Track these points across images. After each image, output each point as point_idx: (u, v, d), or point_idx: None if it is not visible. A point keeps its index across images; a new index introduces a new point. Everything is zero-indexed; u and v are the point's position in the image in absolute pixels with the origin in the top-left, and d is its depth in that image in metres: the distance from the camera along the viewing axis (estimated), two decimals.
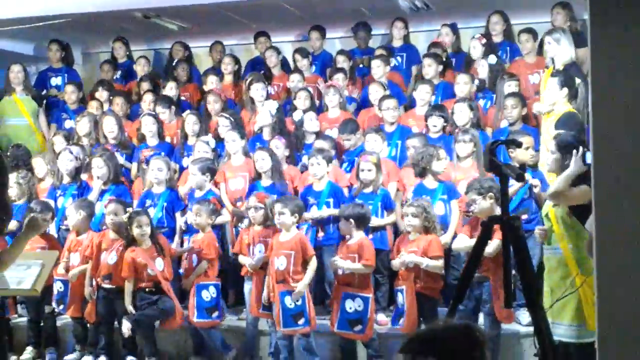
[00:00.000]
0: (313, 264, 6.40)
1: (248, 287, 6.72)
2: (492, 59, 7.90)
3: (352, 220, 6.31)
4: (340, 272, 6.34)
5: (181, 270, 6.96)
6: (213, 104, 8.40)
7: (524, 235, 4.60)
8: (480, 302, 5.94)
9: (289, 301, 6.25)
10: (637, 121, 3.16)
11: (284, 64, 9.31)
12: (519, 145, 5.18)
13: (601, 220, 3.24)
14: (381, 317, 6.72)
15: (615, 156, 3.20)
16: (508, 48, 8.43)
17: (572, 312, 4.90)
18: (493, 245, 5.46)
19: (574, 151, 4.92)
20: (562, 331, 4.97)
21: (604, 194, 3.23)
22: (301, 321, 6.26)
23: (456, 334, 2.60)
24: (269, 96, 8.44)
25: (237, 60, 9.40)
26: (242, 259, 6.73)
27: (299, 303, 6.26)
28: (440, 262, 6.17)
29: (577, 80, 6.67)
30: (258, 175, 7.27)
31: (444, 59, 8.48)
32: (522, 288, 4.69)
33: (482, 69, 7.95)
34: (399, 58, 8.95)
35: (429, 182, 6.77)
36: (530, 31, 8.06)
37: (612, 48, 3.19)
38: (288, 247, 6.34)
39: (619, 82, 3.19)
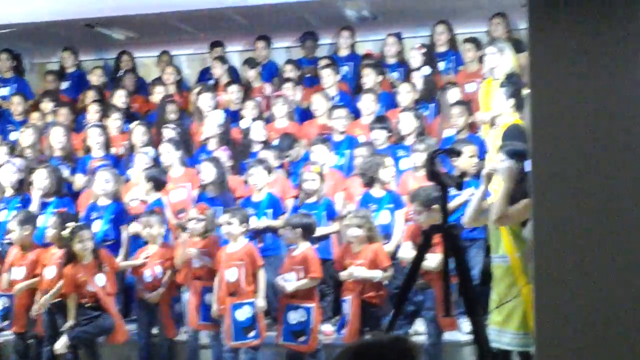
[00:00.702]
0: (262, 275, 6.38)
1: (185, 297, 6.68)
2: (426, 70, 8.00)
3: (298, 230, 6.31)
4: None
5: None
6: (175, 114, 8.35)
7: (463, 244, 4.65)
8: (420, 308, 5.99)
9: (240, 314, 6.22)
10: (575, 130, 3.20)
11: (232, 73, 9.29)
12: (458, 154, 5.21)
13: (539, 228, 3.28)
14: (327, 327, 6.71)
15: (554, 165, 3.24)
16: (453, 57, 8.50)
17: (518, 320, 4.93)
18: (436, 259, 5.48)
19: (507, 168, 4.95)
20: (508, 339, 5.00)
21: (543, 202, 3.26)
22: (251, 334, 6.24)
23: (392, 345, 2.62)
24: (217, 106, 8.44)
25: (178, 71, 9.41)
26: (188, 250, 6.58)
27: (250, 315, 6.23)
28: (390, 272, 6.18)
29: (526, 91, 6.75)
30: (204, 187, 7.23)
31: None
32: (461, 296, 4.72)
33: (418, 81, 8.05)
34: (345, 67, 8.97)
35: (376, 191, 6.80)
36: (474, 40, 8.14)
37: (550, 59, 3.23)
38: (237, 257, 6.31)
39: (558, 92, 3.23)
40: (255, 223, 6.90)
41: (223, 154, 7.51)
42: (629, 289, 3.16)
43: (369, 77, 8.19)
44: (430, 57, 8.28)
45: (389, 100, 8.19)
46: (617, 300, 3.17)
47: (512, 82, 6.77)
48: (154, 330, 6.78)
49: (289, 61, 9.05)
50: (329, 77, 8.34)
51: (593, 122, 3.19)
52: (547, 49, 3.23)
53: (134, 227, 7.11)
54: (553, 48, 3.22)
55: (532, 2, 3.23)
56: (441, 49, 8.54)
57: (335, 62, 8.78)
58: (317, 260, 6.34)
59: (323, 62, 8.69)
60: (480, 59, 7.83)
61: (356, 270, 6.14)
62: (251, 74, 8.98)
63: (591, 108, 3.20)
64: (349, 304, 6.19)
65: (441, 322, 5.81)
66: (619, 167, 3.17)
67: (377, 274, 6.12)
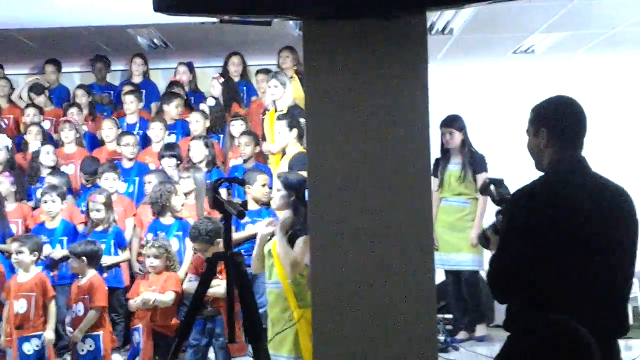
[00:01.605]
0: (53, 307, 6.20)
1: None
2: (211, 101, 8.15)
3: (84, 258, 6.21)
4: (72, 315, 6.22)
5: None
6: None
7: (247, 272, 4.75)
8: (213, 337, 6.01)
9: (27, 347, 6.00)
10: (350, 163, 3.36)
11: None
12: (242, 183, 5.35)
13: (318, 258, 3.40)
14: (117, 357, 6.61)
15: (330, 194, 3.37)
16: (245, 88, 8.68)
17: (290, 344, 5.06)
18: (224, 285, 5.54)
19: (281, 197, 5.12)
20: None
21: (321, 231, 3.39)
22: None
23: None
24: (3, 130, 8.16)
25: None
26: None
27: (39, 349, 6.03)
28: (170, 296, 6.12)
29: (303, 120, 6.99)
30: None
31: (185, 98, 8.64)
32: (244, 323, 4.81)
33: (207, 110, 8.18)
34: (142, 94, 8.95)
35: (165, 219, 6.83)
36: (267, 72, 8.32)
37: (325, 92, 3.37)
38: (28, 288, 6.10)
39: (332, 124, 3.37)
40: (51, 253, 6.77)
41: (5, 180, 7.26)
42: (401, 315, 3.35)
43: (171, 106, 8.23)
44: (229, 87, 8.44)
45: (185, 129, 8.25)
46: (391, 326, 3.35)
47: (294, 114, 7.03)
48: None
49: (80, 86, 8.91)
50: (132, 104, 8.28)
51: (366, 153, 3.37)
52: (321, 81, 3.37)
53: None
54: (327, 81, 3.36)
55: (306, 36, 3.38)
56: (235, 79, 8.69)
57: (139, 89, 8.74)
58: (103, 289, 6.25)
59: (127, 89, 8.63)
60: None
61: (145, 295, 6.10)
62: (40, 100, 8.75)
63: (365, 139, 3.37)
64: (140, 333, 6.15)
65: (231, 347, 5.88)
66: (394, 196, 3.35)
67: (155, 296, 6.07)
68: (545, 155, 3.23)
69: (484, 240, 3.57)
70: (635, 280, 8.47)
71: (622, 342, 7.75)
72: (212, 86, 8.46)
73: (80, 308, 6.16)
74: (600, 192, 3.19)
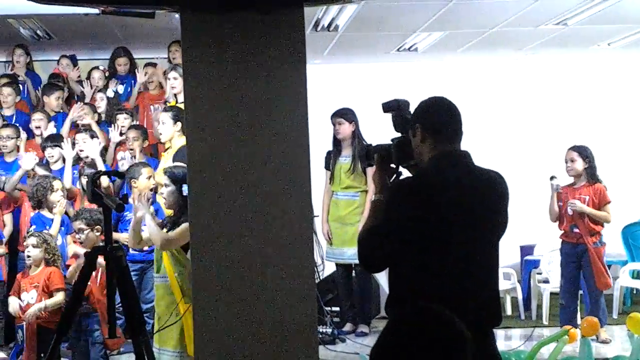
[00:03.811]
0: None
1: None
2: (110, 92, 8.06)
3: None
4: None
5: None
6: None
7: (127, 266, 4.72)
8: (88, 333, 5.94)
9: None
10: (229, 156, 3.37)
11: None
12: (121, 176, 5.37)
13: (198, 252, 3.41)
14: None
15: (209, 189, 3.38)
16: (132, 81, 8.57)
17: (175, 338, 5.05)
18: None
19: (169, 192, 5.11)
20: (167, 357, 5.11)
21: (201, 225, 3.40)
22: None
23: None
24: None
25: None
26: None
27: None
28: (60, 296, 6.06)
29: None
30: None
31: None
32: (124, 317, 4.78)
33: (102, 102, 8.10)
34: (20, 86, 8.71)
35: (47, 212, 6.76)
36: (154, 65, 8.31)
37: (203, 82, 3.38)
38: None
39: (210, 116, 3.38)
40: None
41: None
42: (280, 309, 3.39)
43: (52, 98, 8.10)
44: (115, 79, 8.39)
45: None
46: (271, 319, 3.39)
47: (177, 106, 7.00)
48: None
49: None
50: (10, 97, 8.08)
51: (245, 146, 3.40)
52: (200, 73, 3.38)
53: None
54: (206, 73, 3.37)
55: (185, 27, 3.39)
56: (121, 72, 8.59)
57: (16, 80, 8.52)
58: None
59: (3, 81, 8.39)
60: (161, 84, 8.03)
61: (38, 306, 5.99)
62: None
63: (243, 132, 3.40)
64: (23, 330, 6.01)
65: (107, 343, 5.83)
66: (274, 189, 3.38)
67: (56, 299, 6.00)
68: (423, 152, 3.30)
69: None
70: (512, 271, 8.85)
71: (501, 332, 8.03)
72: (98, 78, 8.38)
73: None
74: (477, 181, 3.27)
